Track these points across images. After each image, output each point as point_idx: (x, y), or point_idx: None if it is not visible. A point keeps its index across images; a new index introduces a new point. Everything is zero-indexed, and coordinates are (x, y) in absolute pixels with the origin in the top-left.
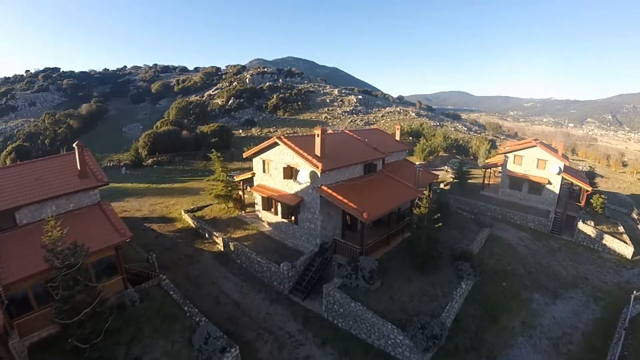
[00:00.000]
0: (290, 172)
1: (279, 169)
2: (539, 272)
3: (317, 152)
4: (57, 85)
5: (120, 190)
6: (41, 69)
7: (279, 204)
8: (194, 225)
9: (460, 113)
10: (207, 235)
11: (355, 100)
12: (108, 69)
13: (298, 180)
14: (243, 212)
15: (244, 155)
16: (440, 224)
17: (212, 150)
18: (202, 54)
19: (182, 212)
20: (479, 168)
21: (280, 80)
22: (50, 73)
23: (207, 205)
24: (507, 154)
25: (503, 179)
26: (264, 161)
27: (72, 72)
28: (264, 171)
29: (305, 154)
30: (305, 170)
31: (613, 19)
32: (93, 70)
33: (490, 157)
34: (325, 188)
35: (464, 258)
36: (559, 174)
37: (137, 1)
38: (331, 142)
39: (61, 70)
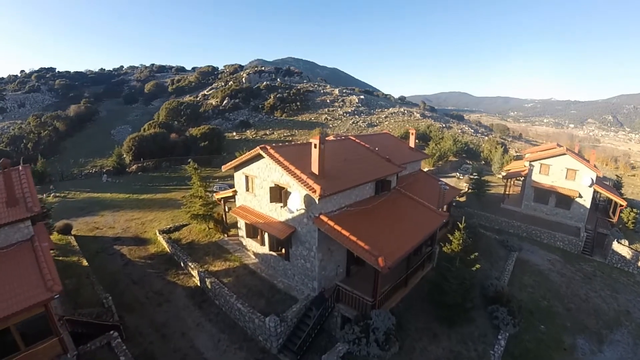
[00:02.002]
0: (278, 194)
1: (265, 189)
2: (578, 307)
3: (314, 168)
4: (49, 85)
5: (98, 201)
6: (36, 69)
7: (266, 234)
8: (168, 250)
9: (462, 114)
10: (182, 264)
11: (357, 101)
12: (104, 69)
13: (288, 207)
14: (225, 235)
15: (223, 168)
16: (478, 266)
17: (189, 161)
18: (201, 54)
19: (157, 233)
20: (493, 174)
21: (279, 79)
22: (45, 73)
23: (186, 225)
24: (532, 163)
25: (527, 190)
26: (247, 177)
27: (67, 72)
28: (247, 189)
29: (297, 172)
30: (298, 193)
31: (613, 19)
32: (89, 70)
33: (507, 164)
34: (324, 218)
35: (499, 301)
36: (590, 186)
37: (139, 2)
38: (333, 153)
39: (56, 70)
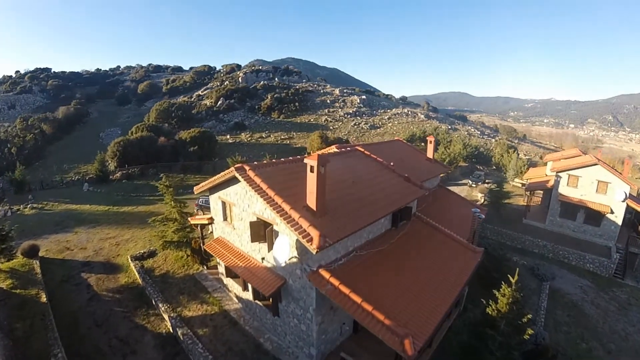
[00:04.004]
0: (261, 232)
1: (246, 221)
2: (619, 348)
3: (311, 201)
4: (41, 86)
5: (75, 214)
6: (32, 69)
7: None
8: (140, 282)
9: (463, 114)
10: (153, 302)
11: (358, 101)
12: (100, 69)
13: (275, 257)
14: (204, 267)
15: (195, 190)
16: (530, 331)
17: (162, 175)
18: (199, 55)
19: (129, 259)
20: (507, 181)
21: (277, 79)
22: (39, 73)
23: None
24: (559, 173)
25: (553, 204)
26: (223, 203)
27: (63, 72)
28: (224, 218)
29: (286, 207)
30: (287, 238)
31: (613, 19)
32: (86, 71)
33: (522, 171)
34: (325, 275)
35: (542, 357)
36: (624, 200)
37: (141, 3)
38: (337, 173)
39: (52, 71)
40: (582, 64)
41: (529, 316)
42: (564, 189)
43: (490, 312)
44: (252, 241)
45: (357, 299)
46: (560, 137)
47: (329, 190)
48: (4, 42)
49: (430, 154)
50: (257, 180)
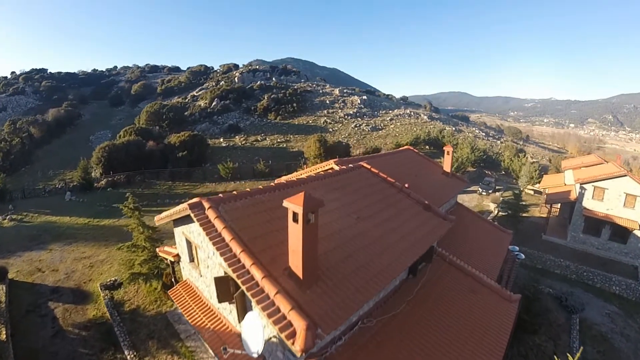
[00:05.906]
0: (230, 291)
1: (212, 270)
2: None
3: (295, 264)
4: (35, 87)
5: (53, 227)
6: (27, 70)
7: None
8: (109, 317)
9: (463, 114)
10: (121, 344)
11: (359, 101)
12: (97, 70)
13: (244, 338)
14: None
15: (156, 221)
16: None
17: (128, 195)
18: (198, 56)
19: (99, 288)
20: (519, 188)
21: (274, 78)
22: (34, 74)
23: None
24: (583, 185)
25: (576, 219)
26: (189, 242)
27: (59, 72)
28: (191, 259)
29: (257, 275)
30: (259, 320)
31: (613, 18)
32: (82, 71)
33: (536, 178)
34: None
35: None
36: None
37: (141, 3)
38: (333, 207)
39: (48, 72)
40: (582, 64)
41: None
42: (588, 202)
43: None
44: (219, 302)
45: None
46: (562, 138)
47: (323, 235)
48: (3, 43)
49: (447, 166)
50: (219, 225)
